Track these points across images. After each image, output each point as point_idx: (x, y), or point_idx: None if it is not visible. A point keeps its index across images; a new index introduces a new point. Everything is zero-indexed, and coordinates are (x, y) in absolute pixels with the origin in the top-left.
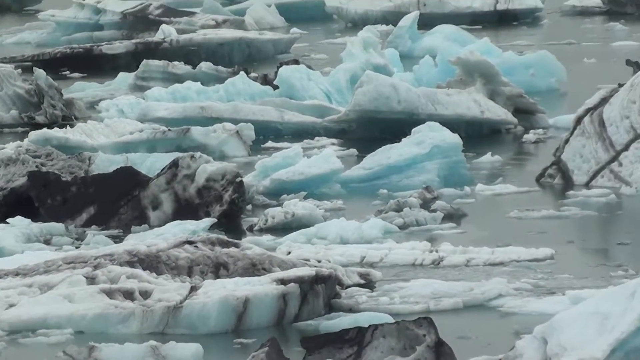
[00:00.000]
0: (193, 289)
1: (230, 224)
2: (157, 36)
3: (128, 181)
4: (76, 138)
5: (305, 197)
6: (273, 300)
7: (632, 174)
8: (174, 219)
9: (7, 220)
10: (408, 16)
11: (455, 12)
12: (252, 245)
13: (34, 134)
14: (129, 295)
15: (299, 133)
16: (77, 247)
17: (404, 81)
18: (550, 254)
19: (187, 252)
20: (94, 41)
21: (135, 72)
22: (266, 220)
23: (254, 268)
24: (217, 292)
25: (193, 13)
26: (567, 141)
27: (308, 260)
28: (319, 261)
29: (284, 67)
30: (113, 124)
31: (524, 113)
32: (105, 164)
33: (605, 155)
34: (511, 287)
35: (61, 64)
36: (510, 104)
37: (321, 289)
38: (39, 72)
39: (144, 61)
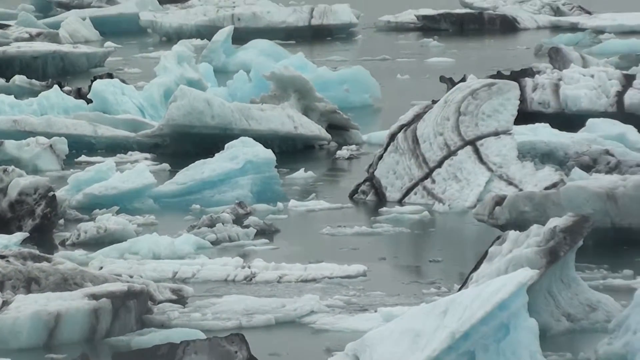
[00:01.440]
0: (4, 303)
1: (43, 239)
2: None
3: None
4: None
5: (118, 212)
6: (85, 316)
7: (445, 191)
8: None
9: None
10: (222, 31)
11: (270, 27)
12: (64, 260)
13: None
14: None
15: (113, 147)
16: None
17: (217, 96)
18: (363, 271)
19: None
20: None
21: None
22: (78, 235)
23: (66, 283)
24: (29, 306)
25: (7, 25)
26: (380, 157)
27: (120, 275)
28: (131, 276)
29: (97, 81)
30: None
31: (338, 129)
32: None
33: (418, 172)
34: (323, 303)
35: None
36: (324, 119)
37: (133, 305)
38: None
39: None
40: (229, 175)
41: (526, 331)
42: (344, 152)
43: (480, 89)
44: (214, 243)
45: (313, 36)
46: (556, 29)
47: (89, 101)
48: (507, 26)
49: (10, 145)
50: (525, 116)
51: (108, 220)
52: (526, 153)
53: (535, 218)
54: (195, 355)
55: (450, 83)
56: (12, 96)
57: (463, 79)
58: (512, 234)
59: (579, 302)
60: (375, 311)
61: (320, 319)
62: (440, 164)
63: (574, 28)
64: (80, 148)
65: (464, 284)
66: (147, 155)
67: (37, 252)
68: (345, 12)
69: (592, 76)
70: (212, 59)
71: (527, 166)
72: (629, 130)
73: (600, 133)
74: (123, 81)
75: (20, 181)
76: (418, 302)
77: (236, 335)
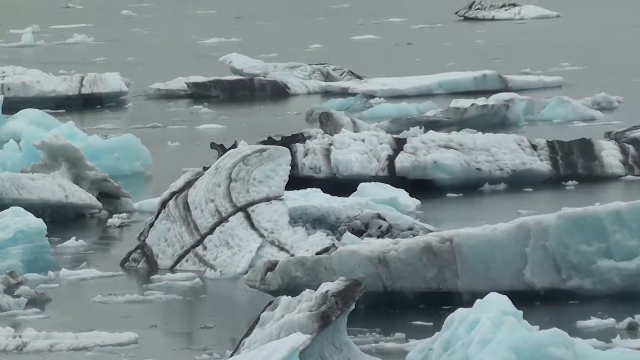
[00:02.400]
0: None
1: None
2: None
3: None
4: None
5: None
6: None
7: (217, 257)
8: None
9: None
10: None
11: (40, 96)
12: None
13: None
14: None
15: None
16: None
17: None
18: (134, 338)
19: None
20: None
21: None
22: None
23: None
24: None
25: None
26: (151, 225)
27: None
28: None
29: None
30: None
31: (109, 197)
32: None
33: (189, 238)
34: None
35: None
36: (95, 188)
37: None
38: None
39: None
40: (0, 245)
41: None
42: (115, 220)
43: (251, 155)
44: None
45: (83, 105)
46: (327, 94)
47: None
48: (278, 92)
49: None
50: (296, 181)
51: None
52: (298, 218)
53: (307, 283)
54: None
55: (221, 149)
56: None
57: (234, 146)
58: (284, 299)
59: None
60: None
61: None
62: (211, 231)
63: (344, 93)
64: None
65: (235, 350)
66: None
67: None
68: (115, 80)
69: (363, 140)
70: None
71: (299, 231)
72: (400, 193)
73: (371, 197)
74: None
75: None
76: None
77: None
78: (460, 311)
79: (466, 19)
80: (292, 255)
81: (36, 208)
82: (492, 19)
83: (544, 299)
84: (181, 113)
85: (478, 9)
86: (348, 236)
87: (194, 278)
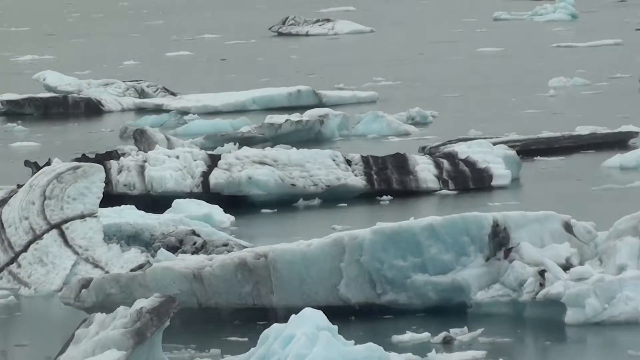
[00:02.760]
0: None
1: None
2: None
3: None
4: None
5: None
6: None
7: (31, 275)
8: None
9: None
10: None
11: None
12: None
13: None
14: None
15: None
16: None
17: None
18: None
19: None
20: None
21: None
22: None
23: None
24: None
25: None
26: None
27: None
28: None
29: None
30: None
31: None
32: None
33: (4, 256)
34: None
35: None
36: None
37: None
38: None
39: None
40: None
41: None
42: None
43: (65, 173)
44: None
45: None
46: (141, 110)
47: None
48: (92, 109)
49: None
50: (111, 198)
51: None
52: (112, 235)
53: (122, 300)
54: None
55: (35, 167)
56: None
57: (48, 163)
58: (98, 316)
59: None
60: None
61: None
62: (25, 249)
63: (159, 110)
64: None
65: None
66: None
67: None
68: None
69: (178, 157)
70: None
71: (113, 248)
72: (215, 210)
73: (186, 213)
74: None
75: None
76: None
77: None
78: (276, 327)
79: (280, 34)
80: (107, 272)
81: None
82: (306, 35)
83: (359, 313)
84: None
85: (292, 24)
86: (163, 253)
87: (8, 296)
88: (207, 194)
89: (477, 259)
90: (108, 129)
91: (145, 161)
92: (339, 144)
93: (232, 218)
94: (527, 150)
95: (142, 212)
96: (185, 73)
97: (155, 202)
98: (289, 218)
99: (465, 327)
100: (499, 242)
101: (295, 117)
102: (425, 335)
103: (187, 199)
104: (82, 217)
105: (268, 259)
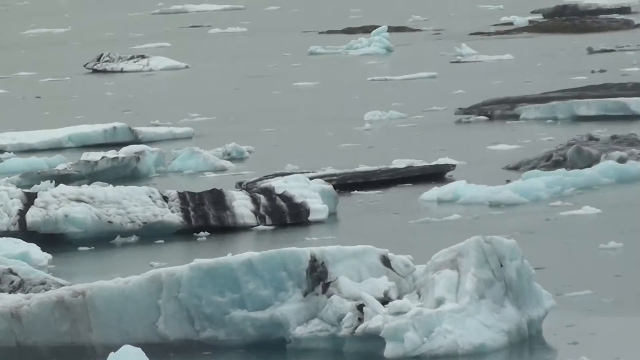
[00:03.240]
0: None
1: None
2: None
3: None
4: None
5: None
6: None
7: None
8: None
9: None
10: None
11: None
12: None
13: None
14: None
15: None
16: None
17: None
18: None
19: None
20: None
21: None
22: None
23: None
24: None
25: None
26: None
27: None
28: None
29: None
30: None
31: None
32: None
33: None
34: None
35: None
36: None
37: None
38: None
39: None
40: None
41: None
42: None
43: None
44: None
45: None
46: None
47: None
48: None
49: None
50: None
51: None
52: None
53: None
54: None
55: None
56: None
57: None
58: None
59: None
60: None
61: None
62: None
63: None
64: None
65: None
66: None
67: None
68: None
69: None
70: None
71: None
72: (32, 248)
73: (3, 252)
74: None
75: None
76: None
77: None
78: None
79: (95, 71)
80: None
81: None
82: (122, 71)
83: (177, 350)
84: None
85: (107, 61)
86: None
87: None
88: (24, 232)
89: (295, 294)
90: None
91: None
92: (155, 181)
93: (50, 256)
94: (344, 184)
95: None
96: (0, 111)
97: None
98: (106, 255)
99: None
100: (317, 276)
101: (111, 154)
102: None
103: (4, 238)
104: None
105: (86, 297)
